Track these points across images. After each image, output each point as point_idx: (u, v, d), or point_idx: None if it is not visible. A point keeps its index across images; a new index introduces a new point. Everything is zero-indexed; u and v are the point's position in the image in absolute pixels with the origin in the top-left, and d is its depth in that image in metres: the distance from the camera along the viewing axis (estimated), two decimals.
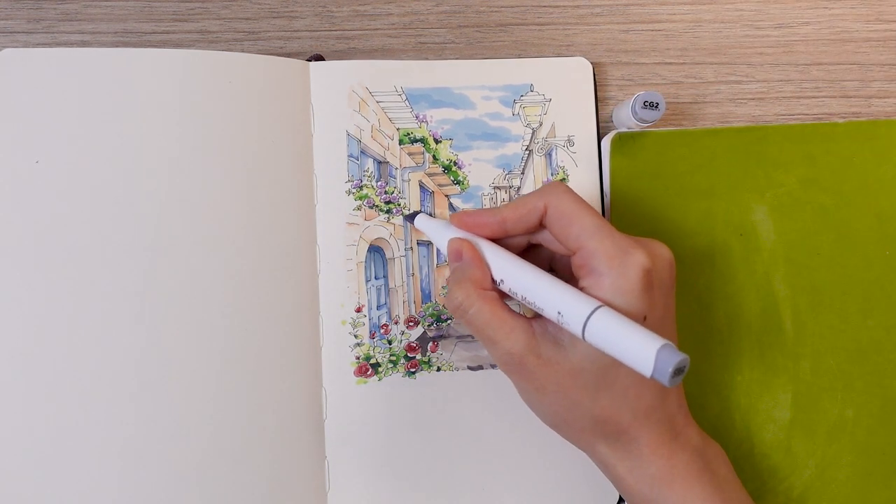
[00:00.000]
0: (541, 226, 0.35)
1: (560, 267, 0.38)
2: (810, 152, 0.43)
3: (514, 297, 0.34)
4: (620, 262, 0.32)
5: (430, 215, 0.41)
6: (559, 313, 0.31)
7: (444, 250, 0.36)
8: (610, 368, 0.32)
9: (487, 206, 0.42)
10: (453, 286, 0.34)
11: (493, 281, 0.35)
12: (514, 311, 0.34)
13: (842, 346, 0.42)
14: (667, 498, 0.33)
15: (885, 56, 0.45)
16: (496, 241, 0.36)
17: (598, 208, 0.42)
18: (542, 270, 0.34)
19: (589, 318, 0.30)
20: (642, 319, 0.31)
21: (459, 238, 0.35)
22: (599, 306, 0.30)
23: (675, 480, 0.33)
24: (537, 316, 0.34)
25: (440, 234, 0.37)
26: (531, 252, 0.37)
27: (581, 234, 0.33)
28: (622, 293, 0.31)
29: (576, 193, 0.34)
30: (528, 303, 0.33)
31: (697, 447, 0.34)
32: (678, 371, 0.27)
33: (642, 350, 0.28)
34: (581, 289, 0.32)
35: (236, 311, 0.39)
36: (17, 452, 0.36)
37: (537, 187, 0.42)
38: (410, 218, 0.39)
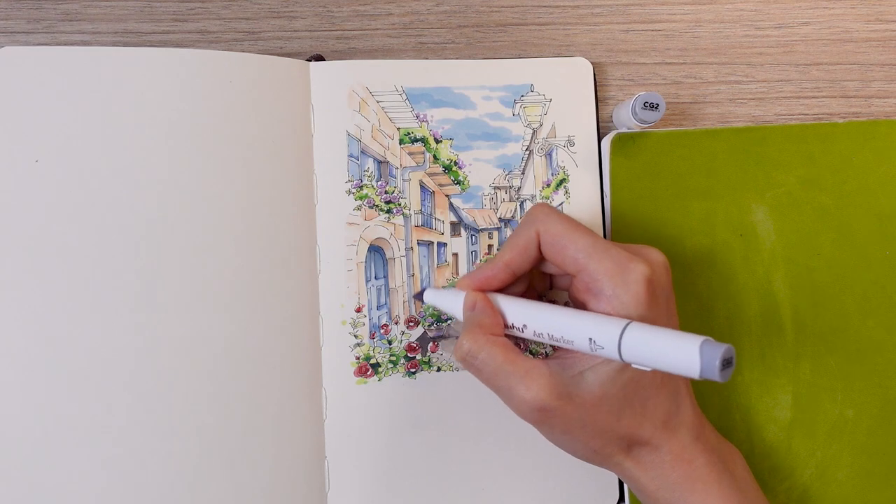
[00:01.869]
0: (541, 254, 0.35)
1: (559, 286, 0.39)
2: (810, 152, 0.43)
3: (539, 339, 0.33)
4: (622, 279, 0.32)
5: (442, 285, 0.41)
6: (591, 340, 0.31)
7: (460, 317, 0.36)
8: (629, 385, 0.32)
9: (487, 207, 0.42)
10: (461, 336, 0.34)
11: (506, 326, 0.34)
12: (526, 355, 0.33)
13: (842, 346, 0.42)
14: (688, 502, 0.33)
15: (885, 56, 0.45)
16: (505, 289, 0.36)
17: (598, 209, 0.42)
18: (559, 306, 0.34)
19: (622, 336, 0.30)
20: None
21: (474, 292, 0.35)
22: (629, 322, 0.30)
23: (696, 484, 0.33)
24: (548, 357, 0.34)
25: (452, 301, 0.36)
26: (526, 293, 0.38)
27: (577, 257, 0.33)
28: (630, 308, 0.32)
29: (561, 213, 0.35)
30: (556, 340, 0.33)
31: (715, 448, 0.34)
32: (726, 363, 0.27)
33: (684, 352, 0.28)
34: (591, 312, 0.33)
35: (236, 311, 0.39)
36: (15, 451, 0.36)
37: (537, 188, 0.42)
38: (419, 296, 0.39)
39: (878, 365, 0.42)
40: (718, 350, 0.27)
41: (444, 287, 0.40)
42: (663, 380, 0.33)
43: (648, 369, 0.30)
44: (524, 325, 0.34)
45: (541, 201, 0.42)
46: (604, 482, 0.41)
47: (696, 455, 0.33)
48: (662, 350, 0.28)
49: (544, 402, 0.31)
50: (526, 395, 0.32)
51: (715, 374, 0.27)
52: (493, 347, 0.32)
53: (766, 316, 0.42)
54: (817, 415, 0.41)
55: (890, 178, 0.43)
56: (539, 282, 0.39)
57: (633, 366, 0.30)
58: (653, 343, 0.29)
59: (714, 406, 0.41)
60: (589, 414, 0.32)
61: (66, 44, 0.42)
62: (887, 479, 0.41)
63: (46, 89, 0.38)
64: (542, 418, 0.32)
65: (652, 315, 0.32)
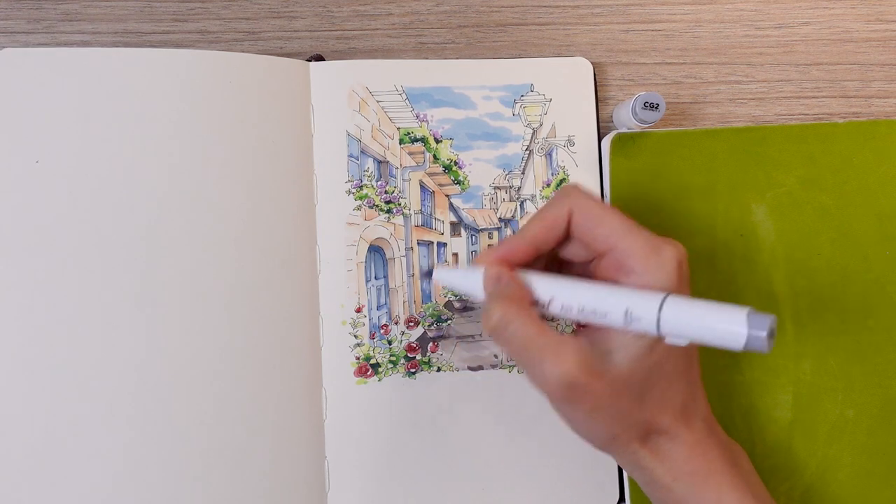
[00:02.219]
0: (567, 234, 0.34)
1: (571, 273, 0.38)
2: (810, 152, 0.43)
3: (569, 313, 0.32)
4: (657, 259, 0.32)
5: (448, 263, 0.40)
6: (627, 311, 0.30)
7: (477, 294, 0.34)
8: (654, 369, 0.32)
9: (488, 207, 0.42)
10: (489, 304, 0.32)
11: (535, 303, 0.33)
12: (555, 330, 0.32)
13: (842, 346, 0.42)
14: (702, 494, 0.33)
15: (885, 56, 0.45)
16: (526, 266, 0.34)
17: None
18: (589, 280, 0.33)
19: (662, 306, 0.29)
20: None
21: (497, 266, 0.33)
22: (668, 294, 0.30)
23: (710, 476, 0.33)
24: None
25: (467, 278, 0.34)
26: None
27: (610, 235, 0.33)
28: (663, 285, 0.31)
29: (593, 194, 0.34)
30: (587, 312, 0.31)
31: (725, 442, 0.34)
32: (772, 333, 0.27)
33: (730, 321, 0.27)
34: None
35: (236, 311, 0.39)
36: (16, 452, 0.36)
37: (537, 188, 0.42)
38: (428, 274, 0.38)
39: (878, 365, 0.42)
40: (766, 320, 0.26)
41: (458, 267, 0.39)
42: (684, 367, 0.33)
43: (685, 343, 0.29)
44: (551, 299, 0.32)
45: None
46: (604, 482, 0.41)
47: (710, 448, 0.33)
48: (705, 320, 0.28)
49: (574, 378, 0.30)
50: (556, 370, 0.30)
51: (762, 345, 0.26)
52: (523, 318, 0.31)
53: None
54: (818, 415, 0.41)
55: (890, 178, 0.43)
56: (548, 269, 0.38)
57: (668, 340, 0.29)
58: (696, 313, 0.28)
59: (715, 407, 0.41)
60: (615, 394, 0.31)
61: (66, 44, 0.42)
62: (887, 479, 0.41)
63: (46, 90, 0.38)
64: (570, 395, 0.31)
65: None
